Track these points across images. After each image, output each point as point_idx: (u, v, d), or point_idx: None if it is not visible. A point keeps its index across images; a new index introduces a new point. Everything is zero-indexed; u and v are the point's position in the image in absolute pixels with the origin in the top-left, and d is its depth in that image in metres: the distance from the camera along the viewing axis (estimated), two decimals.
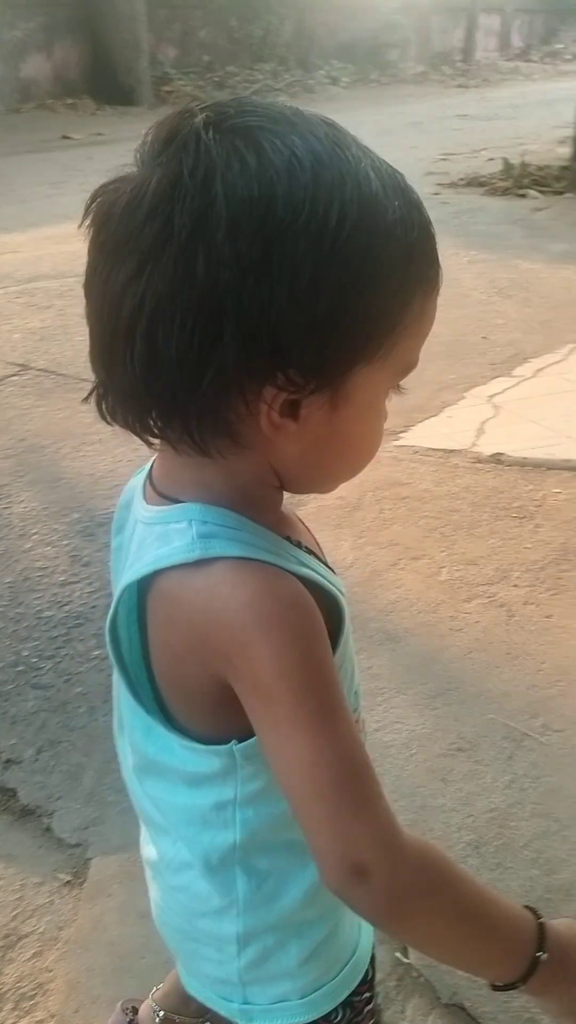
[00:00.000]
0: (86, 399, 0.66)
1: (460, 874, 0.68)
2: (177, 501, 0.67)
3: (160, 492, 0.69)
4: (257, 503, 0.67)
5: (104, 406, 0.65)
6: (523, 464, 2.57)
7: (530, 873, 1.41)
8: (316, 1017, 0.82)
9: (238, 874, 0.76)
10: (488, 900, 0.69)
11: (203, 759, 0.70)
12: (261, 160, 0.56)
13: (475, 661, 1.84)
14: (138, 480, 0.75)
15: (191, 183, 0.56)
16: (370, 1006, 0.87)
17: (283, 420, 0.62)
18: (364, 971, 0.85)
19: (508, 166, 7.51)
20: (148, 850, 0.86)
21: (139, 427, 0.64)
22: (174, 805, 0.76)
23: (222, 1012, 0.85)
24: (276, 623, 0.62)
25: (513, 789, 1.55)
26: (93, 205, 0.60)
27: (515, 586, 2.03)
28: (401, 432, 2.92)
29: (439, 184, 7.51)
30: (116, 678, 0.74)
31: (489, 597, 2.01)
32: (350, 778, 0.63)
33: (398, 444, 2.82)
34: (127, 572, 0.68)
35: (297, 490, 0.71)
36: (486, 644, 1.87)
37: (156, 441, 0.66)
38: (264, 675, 0.61)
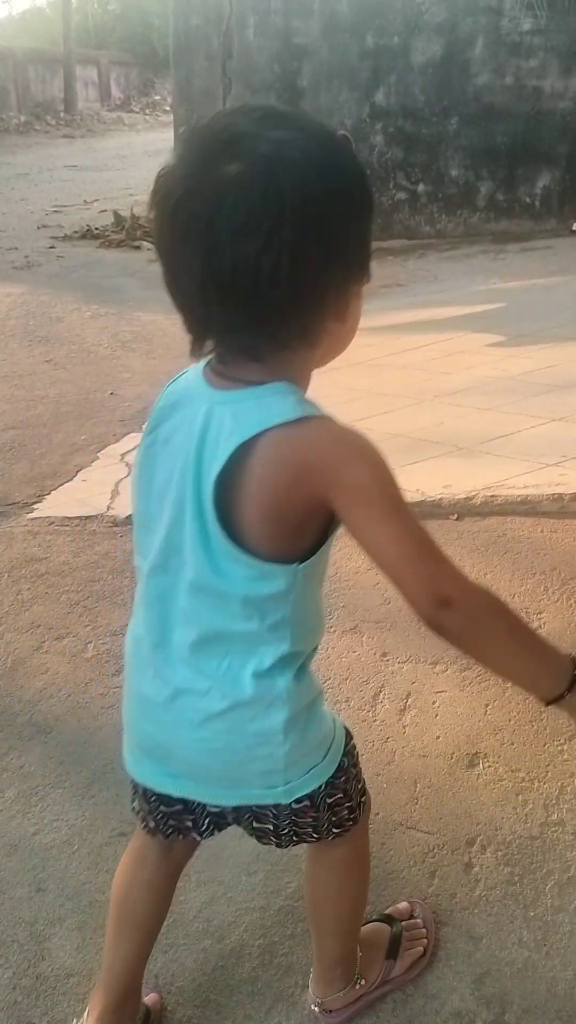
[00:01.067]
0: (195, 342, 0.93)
1: (512, 607, 0.95)
2: (252, 384, 0.92)
3: (233, 378, 0.94)
4: (305, 383, 0.97)
5: (208, 337, 0.92)
6: None
7: (203, 944, 1.42)
8: (335, 769, 1.09)
9: (283, 674, 1.01)
10: (533, 630, 1.00)
11: (269, 581, 0.95)
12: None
13: None
14: (185, 384, 1.00)
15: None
16: (355, 750, 1.16)
17: (334, 323, 0.93)
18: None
19: (119, 218, 7.68)
20: (179, 696, 1.03)
21: (246, 343, 0.91)
22: (232, 632, 0.99)
23: (266, 801, 1.07)
24: (369, 454, 0.91)
25: None
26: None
27: None
28: (35, 503, 2.85)
29: (53, 237, 7.50)
30: (163, 549, 0.99)
31: None
32: (426, 544, 0.90)
33: (32, 517, 2.75)
34: (231, 436, 0.90)
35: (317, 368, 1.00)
36: None
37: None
38: (365, 485, 0.90)
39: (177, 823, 1.15)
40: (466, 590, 0.92)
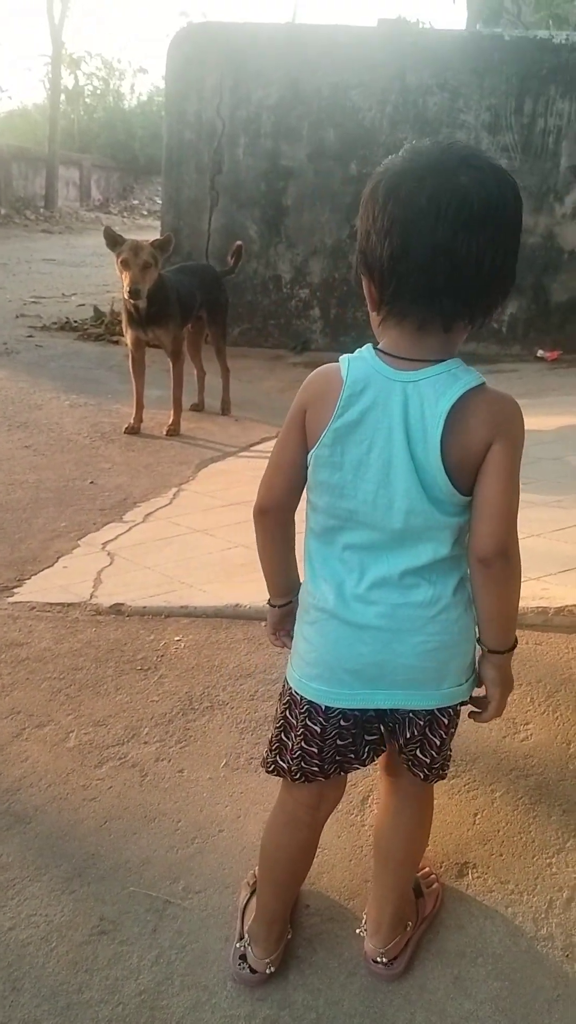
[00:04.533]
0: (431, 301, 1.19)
1: None
2: (432, 363, 1.22)
3: (415, 359, 1.23)
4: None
5: (429, 312, 1.20)
6: (143, 613, 2.61)
7: None
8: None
9: (466, 587, 1.33)
10: None
11: (464, 512, 1.27)
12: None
13: (112, 831, 1.78)
14: (363, 372, 1.25)
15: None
16: None
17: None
18: None
19: (99, 313, 7.85)
20: (405, 610, 1.30)
21: (441, 323, 1.21)
22: (444, 554, 1.29)
23: (457, 699, 1.37)
24: (521, 417, 1.25)
25: (160, 964, 1.51)
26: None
27: (145, 743, 2.03)
28: (15, 587, 2.83)
29: (32, 327, 7.61)
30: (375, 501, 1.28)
31: (120, 759, 1.98)
32: (515, 510, 1.26)
33: (13, 601, 2.72)
34: (438, 401, 1.21)
35: None
36: (121, 810, 1.83)
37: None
38: (517, 443, 1.24)
39: (352, 749, 1.41)
40: (518, 552, 1.28)
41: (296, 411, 1.32)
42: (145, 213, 23.05)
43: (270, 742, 1.46)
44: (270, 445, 5.21)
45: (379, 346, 1.27)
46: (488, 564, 1.26)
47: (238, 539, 3.20)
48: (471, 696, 1.39)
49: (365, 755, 1.42)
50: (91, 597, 2.72)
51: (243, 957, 1.51)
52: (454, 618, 1.30)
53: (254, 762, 1.94)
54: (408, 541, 1.28)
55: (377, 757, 1.45)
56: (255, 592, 2.62)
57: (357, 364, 1.26)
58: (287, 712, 1.42)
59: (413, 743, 1.40)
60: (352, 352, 1.28)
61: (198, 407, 5.67)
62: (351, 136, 7.76)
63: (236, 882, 1.67)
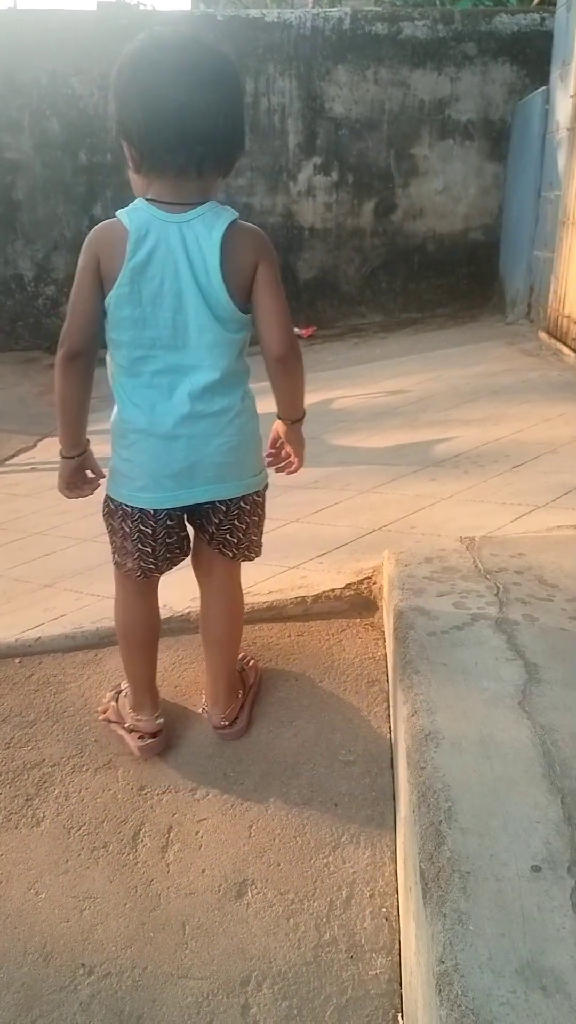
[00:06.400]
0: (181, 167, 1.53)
1: None
2: (195, 205, 1.55)
3: (182, 203, 1.54)
4: None
5: (185, 163, 1.52)
6: None
7: None
8: (266, 482, 1.83)
9: (250, 395, 1.71)
10: None
11: (244, 329, 1.62)
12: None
13: None
14: (140, 220, 1.54)
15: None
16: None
17: None
18: None
19: None
20: (207, 422, 1.64)
21: (195, 168, 1.53)
22: (232, 368, 1.63)
23: (252, 489, 1.76)
24: (271, 242, 1.62)
25: None
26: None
27: None
28: None
29: None
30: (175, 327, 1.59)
31: None
32: (288, 311, 1.62)
33: None
34: (211, 233, 1.54)
35: None
36: None
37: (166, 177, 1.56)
38: (274, 261, 1.60)
39: (177, 545, 1.78)
40: (298, 343, 1.66)
41: (88, 260, 1.57)
42: None
43: (115, 552, 1.80)
44: (27, 457, 4.99)
45: (147, 197, 1.56)
46: (283, 360, 1.63)
47: None
48: (275, 465, 1.82)
49: (186, 547, 1.81)
50: None
51: (140, 737, 1.89)
52: (244, 421, 1.69)
53: (14, 817, 1.79)
54: (204, 360, 1.60)
55: (189, 552, 1.83)
56: (8, 625, 2.45)
57: (136, 215, 1.55)
58: (122, 524, 1.74)
59: (223, 529, 1.77)
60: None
61: None
62: (76, 125, 7.50)
63: (3, 955, 1.53)
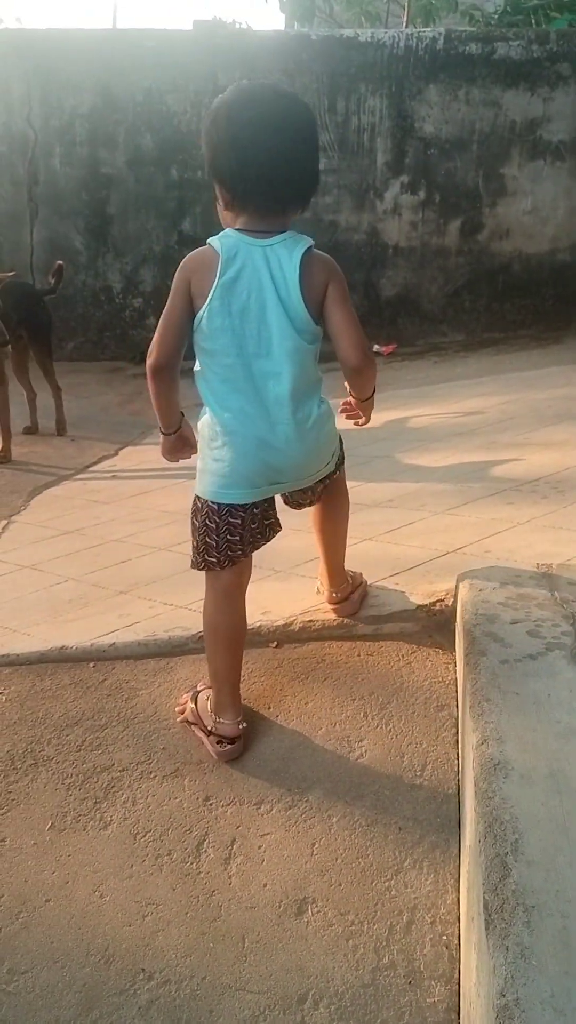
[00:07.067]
0: (268, 202, 1.78)
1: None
2: (277, 233, 1.77)
3: (268, 232, 1.77)
4: None
5: (273, 203, 1.77)
6: None
7: None
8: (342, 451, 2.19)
9: (323, 401, 1.92)
10: None
11: (318, 340, 1.83)
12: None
13: None
14: (230, 244, 1.75)
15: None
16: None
17: None
18: None
19: None
20: (290, 426, 1.84)
21: (280, 207, 1.78)
22: (311, 375, 1.84)
23: (329, 470, 2.06)
24: (338, 266, 1.84)
25: None
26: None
27: None
28: None
29: None
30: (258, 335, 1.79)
31: None
32: (360, 326, 1.83)
33: None
34: (291, 255, 1.76)
35: None
36: None
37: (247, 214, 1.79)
38: (343, 281, 1.81)
39: (260, 532, 1.95)
40: (370, 350, 1.88)
41: (181, 282, 1.78)
42: None
43: (195, 549, 1.94)
44: (108, 465, 5.10)
45: (236, 227, 1.78)
46: (359, 371, 1.87)
47: (68, 572, 3.07)
48: (347, 414, 2.06)
49: (269, 533, 1.98)
50: None
51: (219, 741, 1.93)
52: (322, 425, 1.91)
53: (82, 819, 1.83)
54: (285, 367, 1.78)
55: (274, 535, 2.00)
56: (84, 630, 2.50)
57: (226, 240, 1.77)
58: (207, 521, 1.90)
59: (315, 493, 2.10)
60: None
61: (31, 430, 5.46)
62: (169, 141, 7.66)
63: (66, 955, 1.57)
